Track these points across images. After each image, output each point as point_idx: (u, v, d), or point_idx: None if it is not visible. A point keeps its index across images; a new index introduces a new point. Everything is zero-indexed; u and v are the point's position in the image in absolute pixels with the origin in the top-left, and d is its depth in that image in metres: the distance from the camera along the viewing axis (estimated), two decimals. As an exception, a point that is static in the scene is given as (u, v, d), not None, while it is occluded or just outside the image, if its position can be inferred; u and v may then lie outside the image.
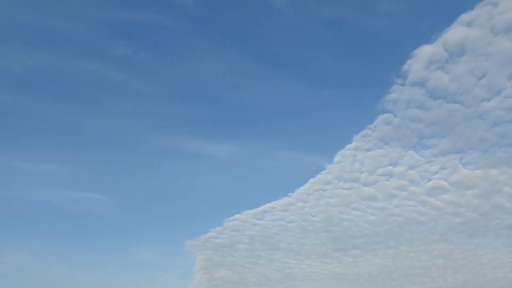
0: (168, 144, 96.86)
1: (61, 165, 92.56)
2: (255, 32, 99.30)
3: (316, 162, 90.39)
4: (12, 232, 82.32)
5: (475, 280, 66.43)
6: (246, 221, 78.70)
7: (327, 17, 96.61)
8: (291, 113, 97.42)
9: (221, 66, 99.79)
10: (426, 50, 74.02)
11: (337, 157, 79.37)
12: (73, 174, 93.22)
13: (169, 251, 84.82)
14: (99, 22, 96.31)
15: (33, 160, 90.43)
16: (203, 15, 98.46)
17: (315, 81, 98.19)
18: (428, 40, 74.40)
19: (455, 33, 71.05)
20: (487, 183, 68.27)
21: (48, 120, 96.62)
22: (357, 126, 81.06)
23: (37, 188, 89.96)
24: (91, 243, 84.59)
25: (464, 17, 70.49)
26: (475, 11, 69.89)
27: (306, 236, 76.50)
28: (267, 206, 78.52)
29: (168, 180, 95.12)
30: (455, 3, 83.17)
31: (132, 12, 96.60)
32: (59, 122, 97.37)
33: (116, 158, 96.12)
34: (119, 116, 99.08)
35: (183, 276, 78.41)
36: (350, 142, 79.21)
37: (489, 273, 66.75)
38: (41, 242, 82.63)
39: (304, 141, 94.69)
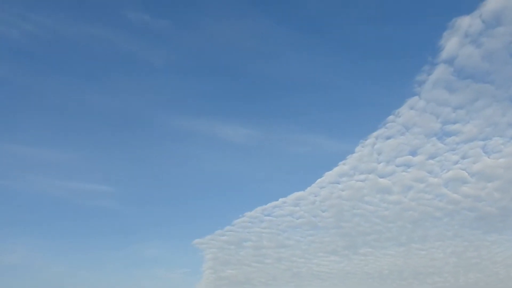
0: (181, 125, 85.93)
1: (62, 151, 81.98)
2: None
3: (340, 148, 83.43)
4: (10, 227, 74.55)
5: (487, 279, 64.38)
6: (255, 217, 72.44)
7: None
8: (318, 89, 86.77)
9: (242, 33, 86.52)
10: (463, 22, 62.88)
11: (359, 146, 72.04)
12: (75, 161, 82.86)
13: (176, 249, 78.80)
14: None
15: (29, 144, 79.44)
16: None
17: (346, 52, 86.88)
18: (466, 10, 63.58)
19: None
20: (511, 174, 63.05)
21: (47, 96, 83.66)
22: (386, 110, 72.79)
23: (35, 178, 79.53)
24: (94, 240, 77.56)
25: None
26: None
27: (315, 233, 71.47)
28: (279, 201, 72.37)
29: (178, 168, 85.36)
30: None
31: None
32: (60, 99, 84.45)
33: (123, 143, 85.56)
34: (128, 92, 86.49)
35: (189, 276, 73.43)
36: (375, 130, 71.22)
37: (502, 272, 64.76)
38: (40, 239, 75.33)
39: (330, 123, 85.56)
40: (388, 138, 70.90)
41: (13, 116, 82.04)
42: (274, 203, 72.48)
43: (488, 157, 66.05)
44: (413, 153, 70.01)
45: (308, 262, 69.45)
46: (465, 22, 62.88)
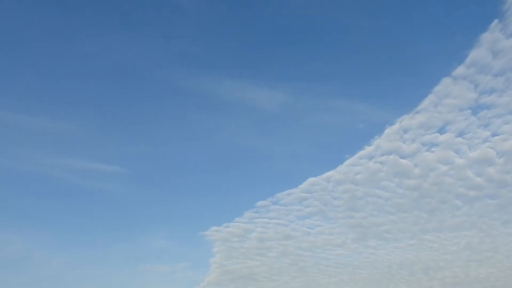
0: (200, 89, 75.48)
1: (64, 122, 71.44)
2: None
3: (382, 119, 71.85)
4: (9, 215, 67.05)
5: (499, 275, 61.45)
6: (262, 206, 67.75)
7: None
8: (364, 47, 74.98)
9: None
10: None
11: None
12: (80, 134, 72.49)
13: (184, 241, 72.39)
14: None
15: (24, 112, 68.86)
16: None
17: (395, 17, 74.86)
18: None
19: None
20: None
21: (40, 48, 71.53)
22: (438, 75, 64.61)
23: (25, 153, 69.49)
24: (97, 230, 70.40)
25: None
26: None
27: (324, 223, 67.12)
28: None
29: (195, 143, 75.89)
30: None
31: None
32: (57, 51, 72.43)
33: (131, 111, 74.92)
34: (137, 49, 74.64)
35: (197, 269, 68.28)
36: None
37: (516, 267, 61.68)
38: (38, 228, 68.24)
39: (376, 89, 75.85)
40: (417, 112, 64.98)
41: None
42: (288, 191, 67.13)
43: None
44: (442, 129, 64.67)
45: (315, 256, 65.82)
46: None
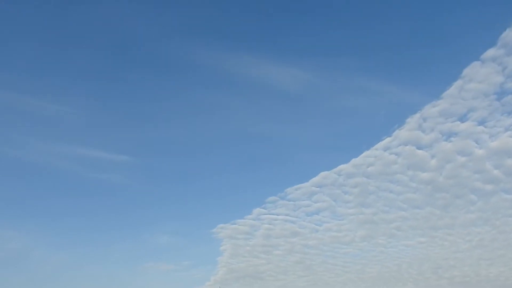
0: (216, 65, 69.38)
1: (65, 103, 65.94)
2: None
3: (408, 104, 68.45)
4: (6, 210, 62.99)
5: (509, 274, 59.50)
6: (271, 202, 64.65)
7: None
8: (396, 21, 69.35)
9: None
10: None
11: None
12: (83, 118, 67.37)
13: (190, 237, 68.42)
14: None
15: (19, 90, 62.09)
16: None
17: None
18: None
19: None
20: None
21: (40, 20, 64.21)
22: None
23: (31, 140, 64.14)
24: (100, 225, 66.19)
25: None
26: None
27: (333, 220, 64.46)
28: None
29: (208, 126, 70.38)
30: None
31: None
32: (57, 22, 64.96)
33: (142, 90, 69.45)
34: (144, 20, 67.21)
35: (202, 268, 65.01)
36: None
37: (527, 267, 60.32)
38: (41, 224, 64.36)
39: (405, 70, 71.19)
40: (439, 97, 61.94)
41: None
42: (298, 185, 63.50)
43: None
44: (463, 117, 61.80)
45: (322, 254, 63.27)
46: None
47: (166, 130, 72.35)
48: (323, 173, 63.41)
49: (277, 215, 63.22)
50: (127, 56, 72.51)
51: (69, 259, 64.28)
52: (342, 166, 63.05)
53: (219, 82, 71.62)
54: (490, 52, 59.91)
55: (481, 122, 60.54)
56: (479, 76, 60.76)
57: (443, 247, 61.95)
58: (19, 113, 66.76)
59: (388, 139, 62.83)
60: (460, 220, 61.73)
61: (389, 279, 61.27)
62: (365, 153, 63.15)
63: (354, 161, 63.26)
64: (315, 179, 63.86)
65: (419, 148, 61.99)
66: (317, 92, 71.53)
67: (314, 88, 71.11)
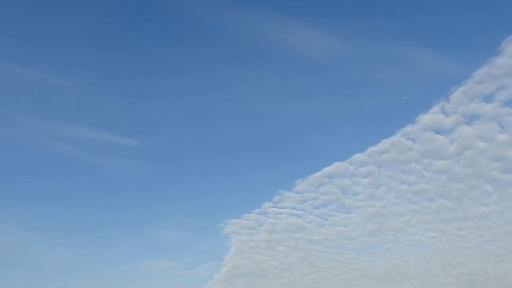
0: (234, 29, 60.85)
1: (65, 77, 58.29)
2: None
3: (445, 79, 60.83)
4: (4, 203, 57.02)
5: None
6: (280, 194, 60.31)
7: None
8: None
9: None
10: None
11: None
12: (86, 94, 59.96)
13: (195, 232, 63.94)
14: None
15: (10, 59, 54.37)
16: None
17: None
18: None
19: None
20: None
21: None
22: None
23: (27, 119, 56.86)
24: (102, 215, 61.20)
25: None
26: None
27: (341, 213, 60.74)
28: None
29: (223, 106, 63.35)
30: None
31: None
32: None
33: (151, 61, 61.53)
34: None
35: (207, 265, 60.08)
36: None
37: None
38: (40, 216, 59.25)
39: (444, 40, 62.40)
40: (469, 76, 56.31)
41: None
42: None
43: None
44: (489, 97, 56.34)
45: (327, 251, 60.08)
46: None
47: (178, 109, 65.85)
48: (337, 164, 59.17)
49: (283, 208, 59.56)
50: (136, 21, 65.80)
51: (68, 256, 59.93)
52: (356, 156, 58.90)
53: (239, 50, 64.93)
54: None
55: (508, 103, 55.53)
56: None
57: (453, 243, 59.07)
58: (10, 86, 57.75)
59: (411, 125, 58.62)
60: (473, 213, 58.60)
61: (395, 277, 58.66)
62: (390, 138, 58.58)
63: (372, 149, 58.88)
64: (327, 169, 59.75)
65: (438, 132, 57.94)
66: (345, 61, 64.84)
67: (341, 56, 63.89)
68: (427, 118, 56.45)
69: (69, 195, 63.05)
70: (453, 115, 56.66)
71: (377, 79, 66.62)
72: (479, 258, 58.13)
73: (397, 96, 65.66)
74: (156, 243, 63.58)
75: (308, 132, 68.36)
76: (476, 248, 58.27)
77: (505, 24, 61.59)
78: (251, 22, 63.35)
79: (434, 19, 66.44)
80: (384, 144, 58.01)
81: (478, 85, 55.77)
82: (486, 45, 58.56)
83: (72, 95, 61.94)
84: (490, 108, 55.74)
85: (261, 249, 59.06)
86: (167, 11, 66.64)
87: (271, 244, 59.26)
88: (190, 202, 66.69)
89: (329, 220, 59.57)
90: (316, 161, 65.73)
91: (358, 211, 59.32)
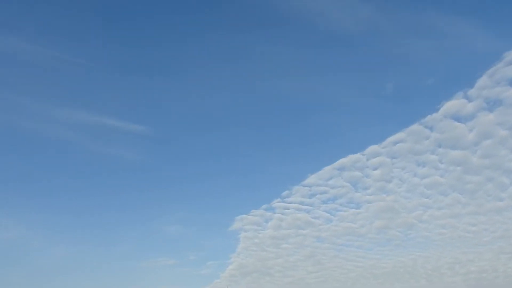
0: None
1: (68, 52, 53.82)
2: None
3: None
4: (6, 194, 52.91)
5: None
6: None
7: None
8: None
9: None
10: None
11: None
12: (91, 73, 54.39)
13: (204, 228, 60.39)
14: None
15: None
16: None
17: None
18: None
19: None
20: None
21: None
22: None
23: (27, 102, 52.36)
24: (104, 210, 57.50)
25: None
26: None
27: (349, 208, 57.70)
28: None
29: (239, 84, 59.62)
30: None
31: None
32: None
33: (161, 35, 57.67)
34: None
35: (214, 263, 57.04)
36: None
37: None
38: (42, 211, 55.37)
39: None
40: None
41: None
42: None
43: None
44: None
45: (333, 248, 57.21)
46: None
47: (192, 94, 61.92)
48: (352, 156, 55.82)
49: (290, 203, 56.33)
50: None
51: (67, 253, 56.08)
52: (373, 147, 55.50)
53: (256, 20, 57.87)
54: None
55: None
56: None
57: (464, 240, 56.62)
58: (7, 62, 50.64)
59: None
60: (486, 207, 56.03)
61: (403, 275, 56.12)
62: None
63: (389, 139, 55.39)
64: (341, 161, 56.44)
65: (457, 119, 54.72)
66: (374, 33, 61.01)
67: (371, 28, 59.99)
68: (449, 105, 52.77)
69: (73, 185, 60.06)
70: (476, 100, 53.06)
71: (405, 55, 62.29)
72: (490, 256, 55.69)
73: (422, 78, 61.83)
74: (159, 240, 60.75)
75: (324, 119, 65.02)
76: (487, 245, 55.85)
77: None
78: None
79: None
80: (401, 133, 54.53)
81: (506, 68, 52.29)
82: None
83: (78, 74, 55.39)
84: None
85: (266, 246, 56.45)
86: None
87: (277, 241, 56.50)
88: (199, 196, 63.47)
89: (337, 215, 56.79)
90: (330, 153, 62.66)
91: (367, 206, 56.42)
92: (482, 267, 55.37)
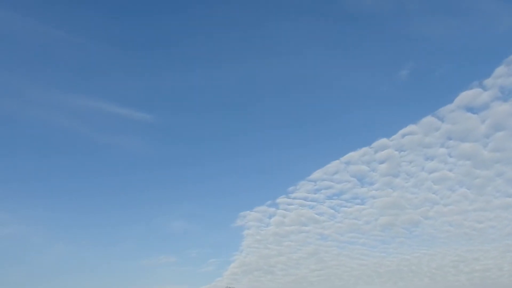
0: None
1: (72, 30, 49.49)
2: None
3: None
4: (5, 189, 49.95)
5: None
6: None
7: None
8: None
9: None
10: None
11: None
12: (95, 55, 51.53)
13: (208, 224, 58.30)
14: None
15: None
16: None
17: None
18: None
19: None
20: None
21: None
22: None
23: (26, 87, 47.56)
24: (106, 204, 55.07)
25: None
26: None
27: (354, 204, 55.53)
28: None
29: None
30: None
31: None
32: None
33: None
34: None
35: (218, 260, 55.11)
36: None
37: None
38: (41, 208, 52.96)
39: None
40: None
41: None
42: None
43: None
44: None
45: (337, 246, 55.06)
46: None
47: (202, 80, 59.50)
48: (365, 149, 53.26)
49: (294, 198, 54.34)
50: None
51: (71, 247, 54.26)
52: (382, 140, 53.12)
53: None
54: None
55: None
56: None
57: (470, 237, 55.00)
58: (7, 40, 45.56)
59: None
60: (494, 204, 54.47)
61: (407, 274, 54.38)
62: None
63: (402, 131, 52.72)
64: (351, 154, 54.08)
65: (469, 110, 52.76)
66: (402, 12, 58.17)
67: (398, 6, 56.96)
68: (465, 95, 50.45)
69: (69, 183, 57.61)
70: (491, 89, 50.95)
71: (426, 36, 59.65)
72: (495, 254, 54.15)
73: (440, 64, 59.43)
74: (161, 237, 59.02)
75: (334, 111, 63.51)
76: (493, 243, 54.34)
77: None
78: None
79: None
80: (412, 126, 52.46)
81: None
82: None
83: (79, 54, 51.38)
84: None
85: (269, 243, 54.47)
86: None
87: (279, 238, 54.44)
88: (204, 191, 61.63)
89: (341, 211, 54.60)
90: (339, 146, 61.05)
91: (372, 202, 54.33)
92: (487, 265, 54.06)
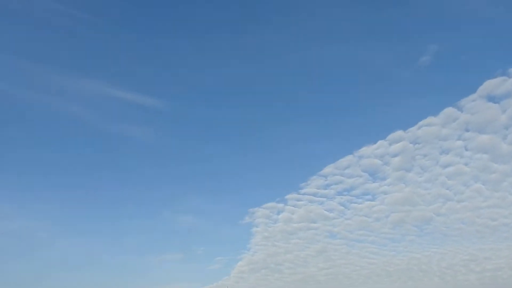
0: None
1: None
2: None
3: None
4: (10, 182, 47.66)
5: None
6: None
7: None
8: None
9: None
10: None
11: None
12: (101, 35, 49.95)
13: (216, 219, 56.81)
14: None
15: None
16: None
17: None
18: None
19: None
20: None
21: None
22: None
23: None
24: (114, 199, 54.01)
25: None
26: None
27: (364, 200, 53.87)
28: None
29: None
30: None
31: None
32: None
33: None
34: None
35: (225, 258, 53.48)
36: None
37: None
38: (47, 202, 51.44)
39: None
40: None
41: None
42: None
43: None
44: None
45: (346, 244, 53.20)
46: None
47: (215, 67, 56.50)
48: (380, 142, 51.20)
49: (304, 194, 52.39)
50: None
51: (74, 246, 53.17)
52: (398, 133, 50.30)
53: None
54: None
55: None
56: None
57: (482, 235, 53.43)
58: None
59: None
60: (509, 200, 52.56)
61: (417, 273, 52.82)
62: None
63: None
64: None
65: (490, 99, 50.22)
66: None
67: None
68: (488, 84, 47.74)
69: (74, 176, 56.28)
70: None
71: (456, 15, 57.62)
72: (507, 253, 52.57)
73: (466, 48, 57.26)
74: (168, 232, 57.66)
75: (353, 101, 61.81)
76: (505, 241, 52.69)
77: None
78: None
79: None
80: (432, 118, 49.91)
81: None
82: None
83: (86, 35, 48.35)
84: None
85: (276, 241, 52.73)
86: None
87: (287, 236, 52.61)
88: (214, 186, 59.86)
89: (351, 207, 52.54)
90: (354, 140, 59.04)
91: (383, 197, 52.13)
92: (498, 264, 52.47)
